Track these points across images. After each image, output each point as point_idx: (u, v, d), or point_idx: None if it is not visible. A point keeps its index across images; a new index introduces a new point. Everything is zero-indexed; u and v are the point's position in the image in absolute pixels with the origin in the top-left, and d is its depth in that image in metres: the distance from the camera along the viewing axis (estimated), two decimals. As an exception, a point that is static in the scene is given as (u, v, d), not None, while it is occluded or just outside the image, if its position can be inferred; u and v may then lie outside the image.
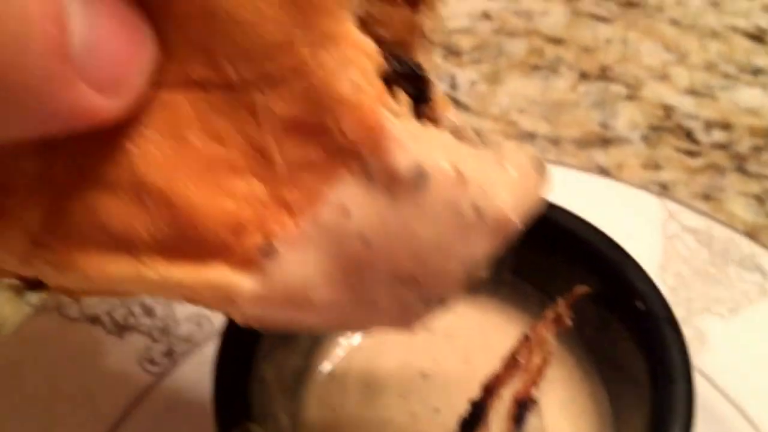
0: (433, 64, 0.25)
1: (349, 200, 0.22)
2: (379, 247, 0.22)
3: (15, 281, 0.25)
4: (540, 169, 0.24)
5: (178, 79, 0.21)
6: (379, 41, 0.23)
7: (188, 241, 0.22)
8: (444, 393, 0.39)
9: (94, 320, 0.41)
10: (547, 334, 0.35)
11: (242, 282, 0.22)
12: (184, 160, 0.21)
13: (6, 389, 0.40)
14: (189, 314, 0.44)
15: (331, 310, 0.23)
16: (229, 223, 0.22)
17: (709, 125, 0.60)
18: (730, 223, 0.50)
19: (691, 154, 0.58)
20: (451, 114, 0.25)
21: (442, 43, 0.65)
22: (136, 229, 0.22)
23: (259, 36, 0.20)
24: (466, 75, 0.63)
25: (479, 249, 0.23)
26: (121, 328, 0.42)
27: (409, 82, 0.24)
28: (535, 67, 0.64)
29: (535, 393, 0.35)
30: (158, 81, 0.21)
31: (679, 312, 0.45)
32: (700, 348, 0.45)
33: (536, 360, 0.35)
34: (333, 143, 0.21)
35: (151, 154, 0.21)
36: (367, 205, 0.22)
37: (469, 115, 0.59)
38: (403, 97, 0.22)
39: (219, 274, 0.22)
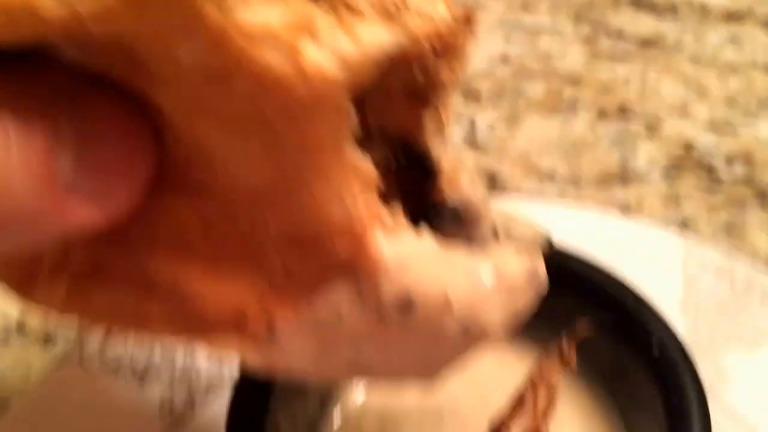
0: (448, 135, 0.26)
1: (343, 307, 0.22)
2: (368, 353, 0.23)
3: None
4: (533, 278, 0.25)
5: (177, 185, 0.21)
6: (382, 130, 0.24)
7: (196, 318, 0.23)
8: (461, 431, 0.39)
9: (116, 370, 0.42)
10: (552, 374, 0.35)
11: (246, 348, 0.23)
12: (188, 257, 0.22)
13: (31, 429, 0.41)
14: (209, 365, 0.45)
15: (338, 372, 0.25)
16: (231, 306, 0.22)
17: (730, 160, 0.60)
18: (752, 258, 0.50)
19: (711, 190, 0.58)
20: (461, 186, 0.26)
21: (461, 87, 0.65)
22: (148, 309, 0.23)
23: (248, 164, 0.20)
24: (485, 119, 0.63)
25: (461, 353, 0.25)
26: (142, 378, 0.43)
27: (414, 167, 0.25)
28: (554, 109, 0.64)
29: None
30: (160, 184, 0.21)
31: (700, 349, 0.45)
32: (722, 385, 0.44)
33: (542, 400, 0.35)
34: (329, 257, 0.22)
35: (157, 253, 0.22)
36: (357, 317, 0.23)
37: (488, 158, 0.60)
38: (398, 211, 0.23)
39: (227, 342, 0.23)
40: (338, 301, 0.22)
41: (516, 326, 0.25)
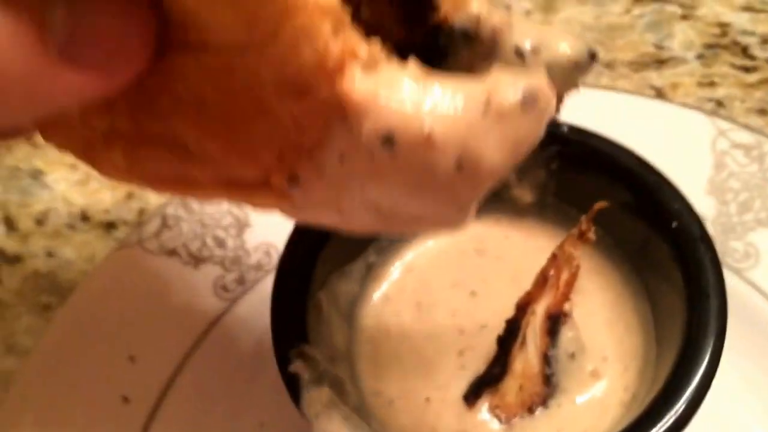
0: None
1: (344, 149, 0.23)
2: (374, 193, 0.23)
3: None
4: (530, 103, 0.22)
5: (182, 42, 0.22)
6: None
7: (233, 175, 0.24)
8: (491, 310, 0.42)
9: (171, 253, 0.46)
10: (573, 250, 0.37)
11: (281, 203, 0.24)
12: (208, 113, 0.23)
13: (95, 315, 0.45)
14: (258, 244, 0.48)
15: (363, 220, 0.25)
16: (257, 165, 0.24)
17: (765, 40, 0.59)
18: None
19: (746, 69, 0.58)
20: (469, 7, 0.25)
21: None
22: (191, 171, 0.24)
23: (226, 16, 0.21)
24: (520, 4, 0.63)
25: (465, 196, 0.23)
26: (197, 260, 0.46)
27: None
28: (589, -9, 0.63)
29: (567, 307, 0.37)
30: (170, 43, 0.22)
31: (728, 228, 0.46)
32: (753, 262, 0.46)
33: (564, 276, 0.37)
34: (317, 94, 0.22)
35: (180, 110, 0.23)
36: (356, 156, 0.23)
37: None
38: (376, 44, 0.22)
39: (263, 199, 0.25)
40: (337, 142, 0.23)
41: (522, 160, 0.24)
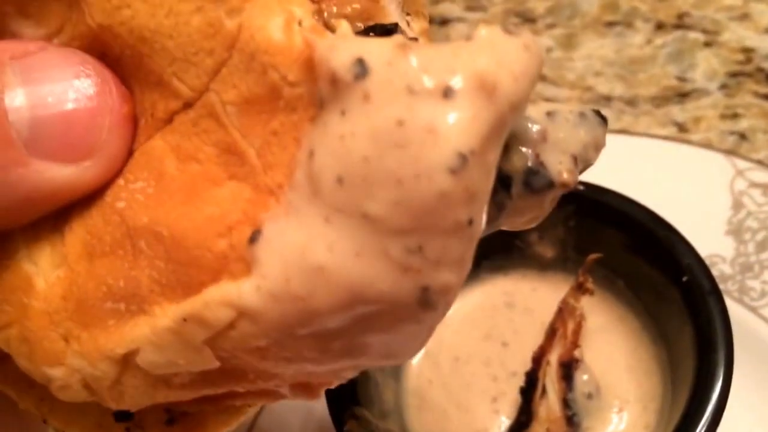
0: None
1: (314, 142, 0.20)
2: (349, 171, 0.20)
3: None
4: (516, 32, 0.21)
5: (152, 126, 0.22)
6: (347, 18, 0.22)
7: (185, 268, 0.21)
8: (521, 359, 0.46)
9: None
10: (574, 302, 0.40)
11: (243, 286, 0.20)
12: (166, 192, 0.22)
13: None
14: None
15: (341, 273, 0.20)
16: (216, 230, 0.21)
17: (791, 64, 0.61)
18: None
19: (770, 97, 0.59)
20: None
21: (516, 11, 0.68)
22: (138, 278, 0.22)
23: (185, 33, 0.21)
24: (541, 42, 0.66)
25: (464, 120, 0.19)
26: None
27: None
28: (610, 24, 0.66)
29: (577, 353, 0.41)
30: (140, 135, 0.23)
31: (746, 267, 0.49)
32: (765, 301, 0.48)
33: (570, 326, 0.40)
34: (287, 100, 0.21)
35: (136, 201, 0.22)
36: (326, 134, 0.20)
37: (545, 85, 0.63)
38: (344, 24, 0.21)
39: (220, 290, 0.21)
40: (305, 144, 0.20)
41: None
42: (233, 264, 0.21)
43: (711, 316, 0.41)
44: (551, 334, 0.41)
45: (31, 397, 0.26)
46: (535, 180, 0.24)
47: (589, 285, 0.41)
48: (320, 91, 0.20)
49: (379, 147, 0.19)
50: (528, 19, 0.67)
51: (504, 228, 0.26)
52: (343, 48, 0.20)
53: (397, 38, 0.20)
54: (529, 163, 0.24)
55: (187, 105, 0.22)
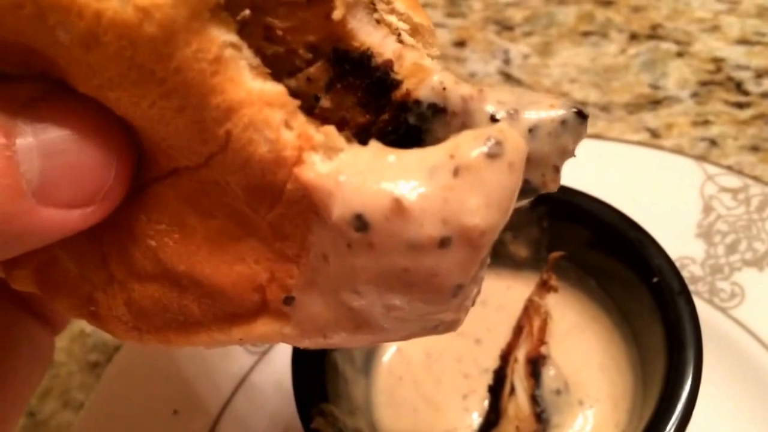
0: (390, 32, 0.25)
1: (325, 247, 0.22)
2: (364, 289, 0.22)
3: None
4: (495, 154, 0.21)
5: (156, 174, 0.24)
6: (312, 47, 0.23)
7: (230, 308, 0.24)
8: (493, 356, 0.46)
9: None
10: (539, 299, 0.41)
11: (284, 329, 0.25)
12: (193, 243, 0.24)
13: (139, 372, 0.50)
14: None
15: (345, 338, 0.24)
16: (249, 286, 0.24)
17: (760, 74, 0.62)
18: (767, 179, 0.53)
19: (740, 106, 0.60)
20: (432, 81, 0.24)
21: (495, 19, 0.68)
22: (189, 307, 0.25)
23: (173, 125, 0.22)
24: (518, 49, 0.66)
25: (459, 264, 0.21)
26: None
27: (360, 72, 0.24)
28: (586, 33, 0.67)
29: (544, 350, 0.41)
30: (145, 178, 0.24)
31: (716, 269, 0.49)
32: (739, 301, 0.49)
33: (536, 323, 0.41)
34: (289, 197, 0.22)
35: (167, 245, 0.24)
36: (338, 254, 0.22)
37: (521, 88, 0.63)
38: (331, 129, 0.22)
39: (267, 327, 0.25)
40: (317, 241, 0.22)
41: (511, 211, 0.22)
42: (272, 310, 0.24)
43: (680, 315, 0.41)
44: (518, 331, 0.42)
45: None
46: (522, 193, 0.25)
47: (554, 282, 0.42)
48: (323, 214, 0.22)
49: (388, 283, 0.22)
50: (506, 27, 0.68)
51: None
52: (341, 201, 0.21)
53: (391, 192, 0.21)
54: None
55: (193, 170, 0.23)
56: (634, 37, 0.66)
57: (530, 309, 0.41)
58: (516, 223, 0.48)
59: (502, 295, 0.49)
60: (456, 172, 0.21)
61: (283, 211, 0.22)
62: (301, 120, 0.22)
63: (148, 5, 0.20)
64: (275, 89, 0.21)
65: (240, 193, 0.23)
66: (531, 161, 0.25)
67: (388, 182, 0.21)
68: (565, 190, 0.47)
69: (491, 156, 0.21)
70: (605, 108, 0.62)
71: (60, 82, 0.22)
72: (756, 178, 0.53)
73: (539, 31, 0.67)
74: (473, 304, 0.25)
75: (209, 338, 0.25)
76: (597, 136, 0.57)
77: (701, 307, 0.46)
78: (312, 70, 0.23)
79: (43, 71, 0.23)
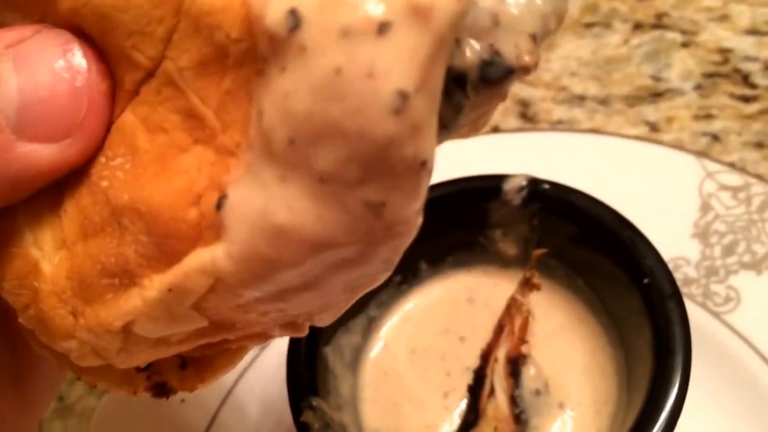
0: None
1: (262, 100, 0.20)
2: (296, 130, 0.19)
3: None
4: None
5: (123, 99, 0.23)
6: None
7: (165, 240, 0.22)
8: (476, 354, 0.45)
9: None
10: (521, 297, 0.40)
11: (215, 252, 0.21)
12: (141, 167, 0.23)
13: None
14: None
15: (303, 231, 0.20)
16: (187, 200, 0.21)
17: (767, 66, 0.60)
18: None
19: (746, 99, 0.59)
20: None
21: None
22: (125, 254, 0.23)
23: (136, 5, 0.22)
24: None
25: (401, 55, 0.18)
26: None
27: None
28: (589, 25, 0.65)
29: (525, 349, 0.40)
30: (115, 109, 0.23)
31: (713, 269, 0.48)
32: (734, 305, 0.48)
33: (518, 322, 0.40)
34: (234, 57, 0.21)
35: (117, 179, 0.23)
36: (271, 93, 0.19)
37: (520, 86, 0.62)
38: None
39: (196, 258, 0.21)
40: (255, 101, 0.20)
41: None
42: (206, 231, 0.21)
43: (670, 319, 0.40)
44: (499, 330, 0.41)
45: (66, 358, 0.27)
46: (492, 71, 0.22)
47: (536, 280, 0.40)
48: (260, 50, 0.20)
49: (321, 100, 0.19)
50: (506, 14, 0.66)
51: (467, 134, 0.24)
52: (275, 1, 0.19)
53: None
54: (484, 56, 0.22)
55: (149, 74, 0.23)
56: (638, 26, 0.64)
57: (512, 307, 0.40)
58: (506, 221, 0.46)
59: (489, 293, 0.48)
60: None
61: (229, 84, 0.21)
62: None
63: None
64: None
65: (191, 81, 0.22)
66: (500, 24, 0.22)
67: None
68: (557, 187, 0.46)
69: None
70: (604, 101, 0.60)
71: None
72: (759, 177, 0.51)
73: (541, 20, 0.66)
74: (424, 166, 0.19)
75: (141, 300, 0.23)
76: (593, 131, 0.56)
77: (694, 311, 0.44)
78: None
79: (41, 16, 0.24)
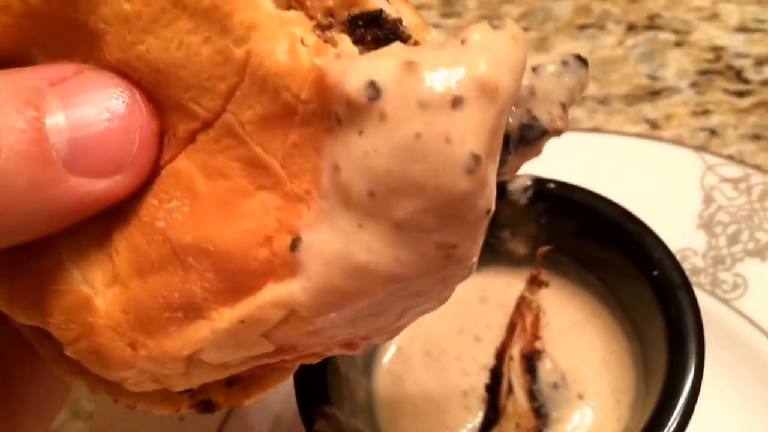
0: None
1: (337, 157, 0.22)
2: (377, 185, 0.21)
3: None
4: (501, 24, 0.22)
5: (175, 146, 0.24)
6: (329, 12, 0.24)
7: (234, 276, 0.23)
8: (492, 352, 0.46)
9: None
10: (530, 295, 0.41)
11: (291, 287, 0.23)
12: (202, 210, 0.24)
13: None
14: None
15: (381, 269, 0.22)
16: (256, 241, 0.23)
17: (760, 62, 0.61)
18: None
19: (740, 94, 0.60)
20: (431, 37, 0.24)
21: (490, 16, 0.68)
22: (191, 290, 0.24)
23: (196, 63, 0.23)
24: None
25: (473, 124, 0.21)
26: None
27: (370, 27, 0.24)
28: (583, 27, 0.66)
29: (538, 345, 0.41)
30: (164, 153, 0.24)
31: (720, 258, 0.49)
32: (742, 291, 0.49)
33: (529, 319, 0.40)
34: (302, 115, 0.22)
35: (175, 220, 0.24)
36: (349, 152, 0.22)
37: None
38: (345, 38, 0.23)
39: (270, 292, 0.23)
40: (333, 155, 0.22)
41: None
42: (278, 269, 0.23)
43: (681, 309, 0.41)
44: (511, 329, 0.42)
45: (102, 383, 0.28)
46: (530, 133, 0.26)
47: (543, 277, 0.41)
48: (336, 111, 0.22)
49: (401, 160, 0.21)
50: (501, 21, 0.68)
51: (506, 177, 0.28)
52: (353, 72, 0.21)
53: (400, 52, 0.22)
54: (524, 120, 0.26)
55: (207, 125, 0.24)
56: (631, 27, 0.65)
57: (522, 305, 0.41)
58: (513, 221, 0.47)
59: (502, 293, 0.49)
60: (464, 42, 0.21)
61: (296, 139, 0.22)
62: (316, 37, 0.23)
63: None
64: (294, 13, 0.23)
65: (254, 133, 0.23)
66: (536, 96, 0.26)
67: (400, 53, 0.22)
68: (563, 186, 0.47)
69: (495, 27, 0.22)
70: (603, 101, 0.61)
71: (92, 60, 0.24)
72: (757, 167, 0.52)
73: (536, 27, 0.67)
74: (489, 213, 0.23)
75: (210, 331, 0.24)
76: (595, 129, 0.57)
77: (703, 298, 0.45)
78: (328, 33, 0.24)
79: (82, 60, 0.25)
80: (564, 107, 0.27)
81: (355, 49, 0.23)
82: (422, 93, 0.21)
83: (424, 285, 0.24)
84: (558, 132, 0.27)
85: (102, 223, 0.25)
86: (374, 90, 0.21)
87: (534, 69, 0.26)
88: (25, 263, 0.26)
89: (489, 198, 0.22)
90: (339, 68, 0.21)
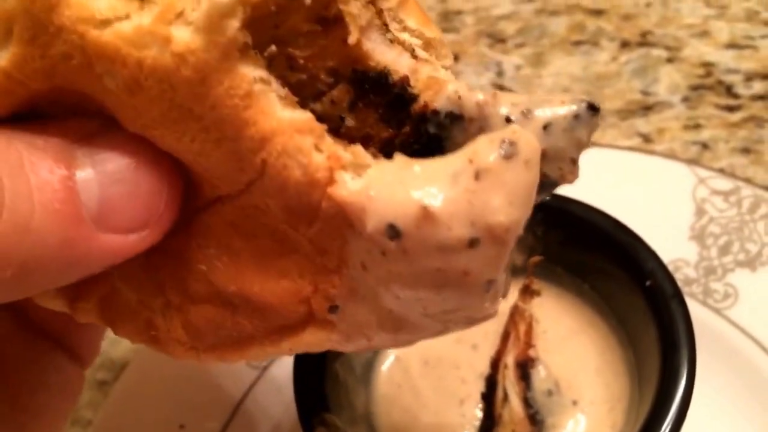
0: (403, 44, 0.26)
1: (362, 256, 0.24)
2: (402, 292, 0.24)
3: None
4: (511, 154, 0.23)
5: (201, 204, 0.26)
6: (332, 71, 0.25)
7: (279, 322, 0.27)
8: (489, 361, 0.47)
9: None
10: (523, 304, 0.42)
11: (331, 335, 0.27)
12: (240, 263, 0.26)
13: (146, 389, 0.51)
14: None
15: (387, 339, 0.27)
16: (296, 299, 0.26)
17: (749, 77, 0.63)
18: (758, 181, 0.54)
19: (730, 109, 0.61)
20: (447, 91, 0.26)
21: (487, 32, 0.70)
22: (242, 324, 0.27)
23: (213, 157, 0.24)
24: (511, 61, 0.68)
25: (489, 259, 0.23)
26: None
27: (379, 90, 0.25)
28: (577, 43, 0.68)
29: (532, 353, 0.42)
30: (192, 207, 0.26)
31: (711, 269, 0.50)
32: (732, 301, 0.50)
33: (522, 328, 0.42)
34: (325, 213, 0.24)
35: (217, 268, 0.26)
36: (374, 262, 0.24)
37: (515, 101, 0.64)
38: (358, 149, 0.24)
39: (313, 336, 0.27)
40: (354, 252, 0.24)
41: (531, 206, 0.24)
42: (319, 321, 0.26)
43: (674, 318, 0.42)
44: (505, 337, 0.43)
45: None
46: (542, 187, 0.27)
47: (535, 287, 0.43)
48: (357, 229, 0.24)
49: (424, 284, 0.24)
50: (499, 39, 0.69)
51: None
52: (373, 213, 0.23)
53: (419, 201, 0.23)
54: None
55: (234, 196, 0.25)
56: (625, 44, 0.67)
57: (515, 315, 0.42)
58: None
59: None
60: (477, 176, 0.23)
61: (321, 227, 0.24)
62: (329, 142, 0.24)
63: (183, 51, 0.22)
64: (303, 116, 0.23)
65: (279, 214, 0.24)
66: (548, 156, 0.27)
67: (415, 191, 0.23)
68: (559, 198, 0.48)
69: (507, 157, 0.23)
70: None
71: (112, 119, 0.25)
72: (747, 180, 0.54)
73: (531, 43, 0.68)
74: (505, 295, 0.26)
75: (261, 351, 0.28)
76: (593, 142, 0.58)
77: (696, 308, 0.47)
78: (335, 92, 0.25)
79: (98, 110, 0.25)
80: (574, 162, 0.27)
81: (368, 158, 0.24)
82: (441, 239, 0.23)
83: (436, 333, 0.27)
84: (568, 182, 0.28)
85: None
86: (394, 232, 0.23)
87: (545, 128, 0.27)
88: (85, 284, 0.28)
89: (501, 294, 0.26)
90: (358, 204, 0.23)
